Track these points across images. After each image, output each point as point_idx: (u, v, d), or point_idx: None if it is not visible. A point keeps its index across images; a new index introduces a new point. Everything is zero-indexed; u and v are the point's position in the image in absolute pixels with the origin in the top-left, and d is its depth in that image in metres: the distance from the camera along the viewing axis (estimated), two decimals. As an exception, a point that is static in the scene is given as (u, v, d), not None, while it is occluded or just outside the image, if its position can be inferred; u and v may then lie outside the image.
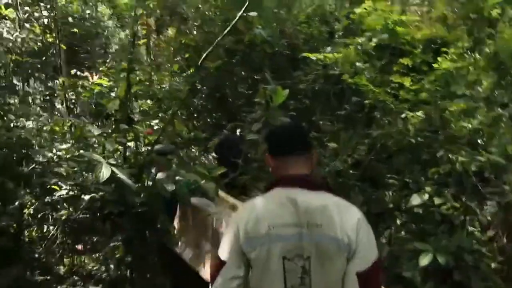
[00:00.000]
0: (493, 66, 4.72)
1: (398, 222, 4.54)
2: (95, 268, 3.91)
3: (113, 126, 3.59)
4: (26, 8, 5.49)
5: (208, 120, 8.75)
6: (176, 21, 10.58)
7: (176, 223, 4.18)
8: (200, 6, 9.65)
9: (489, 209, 4.43)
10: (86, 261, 4.18)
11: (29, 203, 3.40)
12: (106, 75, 4.57)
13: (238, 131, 6.20)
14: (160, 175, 3.48)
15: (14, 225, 3.25)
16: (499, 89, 4.65)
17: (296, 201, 1.45)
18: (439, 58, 4.75)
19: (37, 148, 3.29)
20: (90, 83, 5.12)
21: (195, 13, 9.66)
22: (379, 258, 1.47)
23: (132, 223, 3.49)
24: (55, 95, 6.29)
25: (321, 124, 5.50)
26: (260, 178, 4.55)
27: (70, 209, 3.55)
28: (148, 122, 4.17)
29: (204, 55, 3.80)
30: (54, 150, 3.23)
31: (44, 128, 3.90)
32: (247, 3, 3.83)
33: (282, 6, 8.41)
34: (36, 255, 3.51)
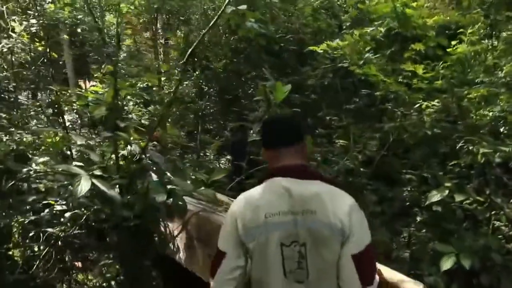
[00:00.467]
0: (513, 49, 4.36)
1: (418, 220, 4.23)
2: (96, 284, 3.73)
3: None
4: (14, 17, 5.35)
5: (220, 122, 8.59)
6: (181, 24, 10.49)
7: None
8: (204, 7, 9.55)
9: (516, 202, 4.08)
10: (89, 277, 4.01)
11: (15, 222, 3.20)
12: (101, 81, 4.36)
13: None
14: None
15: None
16: (522, 73, 4.29)
17: (290, 190, 1.50)
18: (453, 42, 4.39)
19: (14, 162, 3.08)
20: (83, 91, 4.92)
21: (198, 15, 9.55)
22: (372, 242, 1.51)
23: (126, 238, 3.30)
24: (53, 106, 6.15)
25: (328, 119, 5.19)
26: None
27: (63, 226, 3.37)
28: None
29: (189, 51, 3.57)
30: (34, 165, 3.00)
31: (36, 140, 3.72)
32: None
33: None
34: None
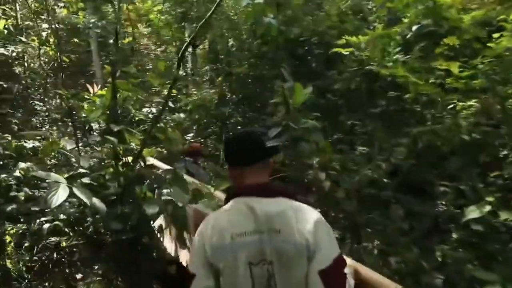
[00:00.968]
0: None
1: (453, 238, 3.67)
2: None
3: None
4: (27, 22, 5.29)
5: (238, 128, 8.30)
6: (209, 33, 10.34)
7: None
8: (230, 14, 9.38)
9: None
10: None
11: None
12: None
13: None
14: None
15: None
16: None
17: (254, 209, 1.52)
18: (494, 35, 3.83)
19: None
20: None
21: (224, 22, 9.37)
22: (340, 254, 1.50)
23: (121, 252, 3.03)
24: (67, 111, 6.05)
25: (349, 124, 4.71)
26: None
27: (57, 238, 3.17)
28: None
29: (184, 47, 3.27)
30: (17, 172, 2.78)
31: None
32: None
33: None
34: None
